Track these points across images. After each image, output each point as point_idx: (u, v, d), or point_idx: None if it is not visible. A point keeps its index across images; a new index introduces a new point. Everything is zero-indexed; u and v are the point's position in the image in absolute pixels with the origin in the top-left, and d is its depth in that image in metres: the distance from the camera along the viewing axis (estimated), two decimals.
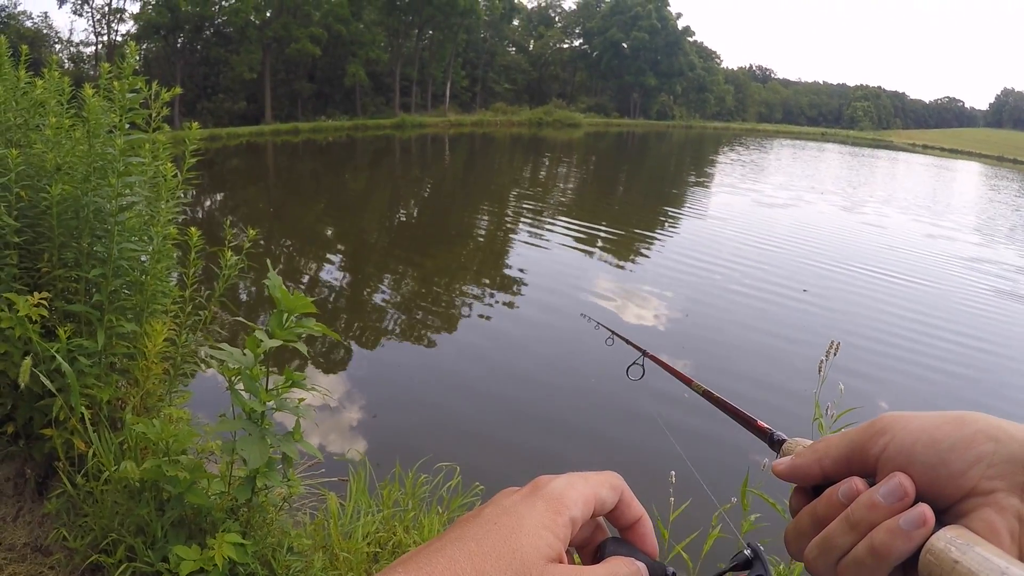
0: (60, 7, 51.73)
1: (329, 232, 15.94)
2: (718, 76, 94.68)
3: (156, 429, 2.68)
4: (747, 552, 0.53)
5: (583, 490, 0.48)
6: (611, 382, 7.27)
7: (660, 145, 57.14)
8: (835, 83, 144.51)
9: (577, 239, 15.33)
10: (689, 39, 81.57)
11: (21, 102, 3.60)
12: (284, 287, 2.29)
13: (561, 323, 9.58)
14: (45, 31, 42.92)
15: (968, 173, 54.74)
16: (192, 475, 2.62)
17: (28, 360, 2.68)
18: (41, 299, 2.81)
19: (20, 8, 41.16)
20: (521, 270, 12.37)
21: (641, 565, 0.48)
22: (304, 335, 2.39)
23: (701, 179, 32.16)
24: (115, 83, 3.02)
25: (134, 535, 2.70)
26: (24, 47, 3.80)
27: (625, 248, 15.00)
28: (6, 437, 3.15)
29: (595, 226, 16.94)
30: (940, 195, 34.43)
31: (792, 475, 0.54)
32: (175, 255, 3.47)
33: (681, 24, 78.80)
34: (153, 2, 40.29)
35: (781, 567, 2.97)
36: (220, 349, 2.39)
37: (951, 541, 0.42)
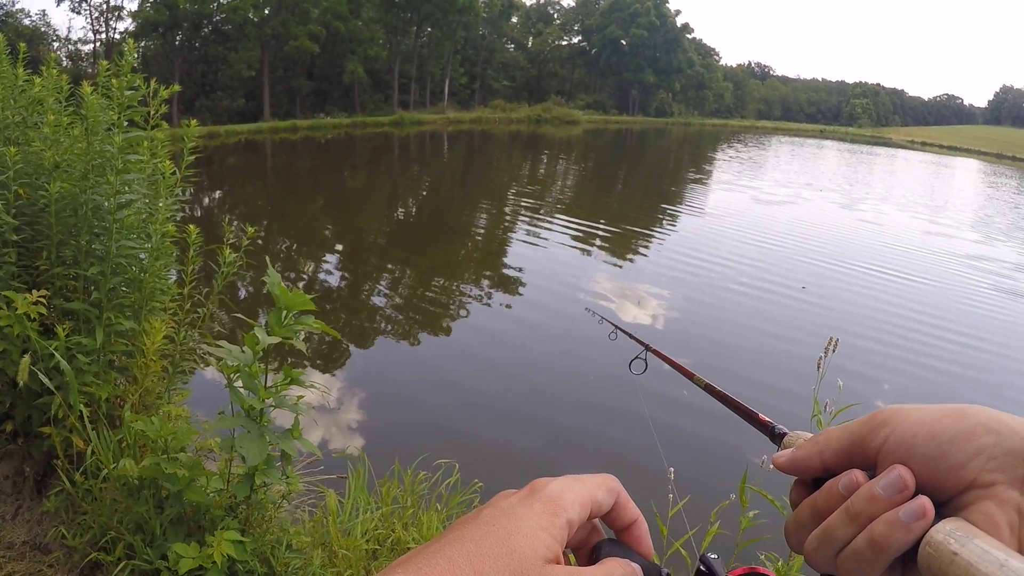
0: (58, 5, 51.72)
1: (328, 230, 15.93)
2: (717, 73, 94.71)
3: (155, 427, 2.68)
4: (700, 567, 0.53)
5: (579, 492, 0.48)
6: (610, 380, 7.28)
7: (659, 142, 57.13)
8: (834, 80, 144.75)
9: (576, 237, 15.33)
10: (688, 36, 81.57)
11: (19, 100, 3.60)
12: (283, 284, 2.29)
13: (560, 321, 9.59)
14: (43, 29, 43.00)
15: (967, 170, 54.76)
16: (191, 472, 2.62)
17: (27, 358, 2.68)
18: (40, 297, 2.81)
19: (18, 6, 41.11)
20: (519, 268, 12.37)
21: (636, 566, 0.49)
22: (303, 332, 2.39)
23: (700, 176, 32.16)
24: (113, 81, 3.01)
25: (133, 533, 2.70)
26: (22, 45, 3.79)
27: (623, 246, 15.00)
28: (5, 435, 3.15)
29: (593, 224, 16.94)
30: (938, 192, 34.45)
31: (792, 467, 0.54)
32: (174, 253, 3.46)
33: (680, 21, 78.90)
34: (151, 0, 40.23)
35: (780, 563, 2.97)
36: (219, 346, 2.39)
37: (950, 533, 0.43)
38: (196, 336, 3.62)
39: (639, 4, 73.86)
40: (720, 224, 18.10)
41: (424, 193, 23.46)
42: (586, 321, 8.91)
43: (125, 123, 3.05)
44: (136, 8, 41.41)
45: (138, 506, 2.68)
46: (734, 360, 8.43)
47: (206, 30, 44.38)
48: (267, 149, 34.01)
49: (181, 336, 3.44)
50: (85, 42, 44.51)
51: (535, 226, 16.35)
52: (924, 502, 0.44)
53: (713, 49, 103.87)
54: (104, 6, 41.72)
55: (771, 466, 0.56)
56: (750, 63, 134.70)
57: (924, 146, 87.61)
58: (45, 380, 2.77)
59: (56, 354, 2.78)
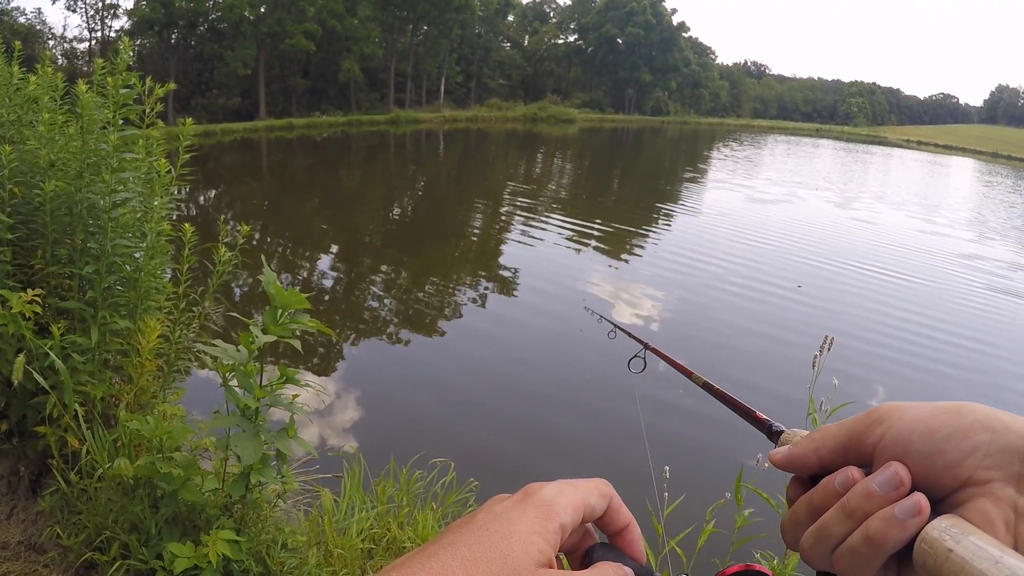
0: (54, 3, 51.61)
1: (324, 228, 15.91)
2: (713, 72, 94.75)
3: (150, 426, 2.68)
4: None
5: (573, 497, 0.49)
6: (605, 379, 7.29)
7: (655, 141, 57.15)
8: (830, 79, 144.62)
9: (571, 236, 15.33)
10: (684, 35, 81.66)
11: (14, 98, 3.59)
12: (278, 283, 2.29)
13: (556, 320, 9.60)
14: (39, 27, 42.85)
15: (962, 169, 54.91)
16: (186, 472, 2.62)
17: (21, 357, 2.67)
18: (34, 296, 2.80)
19: (13, 4, 40.94)
20: (515, 267, 12.38)
21: (628, 570, 0.49)
22: (298, 331, 2.39)
23: (695, 175, 32.20)
24: (109, 79, 3.01)
25: (128, 532, 2.70)
26: (17, 43, 3.78)
27: (619, 245, 15.01)
28: (0, 435, 3.14)
29: (589, 223, 16.94)
30: (934, 191, 34.53)
31: (789, 464, 0.54)
32: (169, 251, 3.46)
33: (676, 20, 78.92)
34: None
35: (775, 561, 2.98)
36: (214, 345, 2.38)
37: (946, 530, 0.43)
38: (192, 335, 3.62)
39: (635, 3, 73.89)
40: (716, 223, 18.13)
41: (420, 192, 23.45)
42: (582, 320, 8.92)
43: (120, 121, 3.04)
44: (132, 6, 41.40)
45: (133, 506, 2.68)
46: (730, 357, 8.45)
47: (202, 28, 44.34)
48: (263, 148, 33.97)
49: (176, 335, 3.44)
50: (80, 40, 44.45)
51: (531, 225, 16.34)
52: (920, 499, 0.44)
53: (709, 48, 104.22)
54: (100, 4, 41.70)
55: (768, 463, 0.56)
56: (746, 62, 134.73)
57: (920, 145, 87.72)
58: (40, 379, 2.76)
59: (51, 353, 2.77)
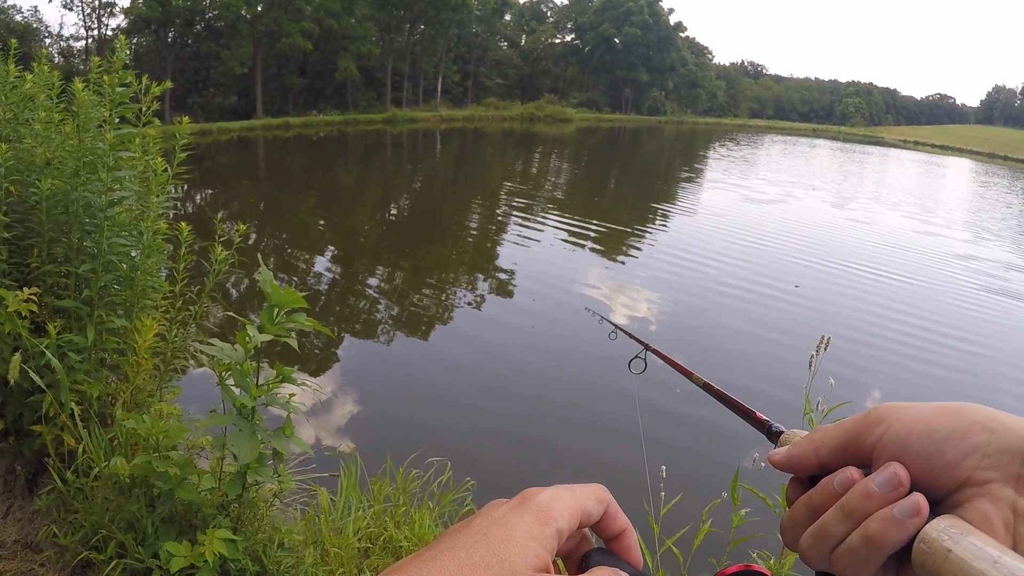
0: (50, 1, 51.36)
1: (320, 228, 15.89)
2: (710, 72, 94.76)
3: (146, 425, 2.67)
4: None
5: (570, 502, 0.49)
6: (603, 379, 7.29)
7: (652, 140, 57.18)
8: (827, 79, 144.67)
9: (568, 236, 15.34)
10: (681, 35, 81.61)
11: (11, 96, 3.57)
12: (275, 282, 2.28)
13: (553, 320, 9.60)
14: (35, 25, 42.72)
15: (959, 170, 55.00)
16: (182, 471, 2.61)
17: (18, 356, 2.67)
18: (31, 295, 2.79)
19: (10, 2, 40.84)
20: (512, 267, 12.37)
21: (624, 575, 0.49)
22: (295, 330, 2.39)
23: (692, 175, 32.21)
24: (105, 77, 3.00)
25: (124, 531, 2.69)
26: (13, 41, 3.77)
27: (616, 245, 15.01)
28: None
29: (586, 223, 16.94)
30: (930, 192, 34.59)
31: (788, 464, 0.54)
32: (165, 250, 3.45)
33: (673, 20, 78.84)
34: None
35: (772, 561, 2.98)
36: (211, 344, 2.38)
37: (944, 531, 0.43)
38: (188, 334, 3.61)
39: (632, 2, 73.89)
40: (712, 223, 18.13)
41: (417, 191, 23.43)
42: (579, 321, 8.93)
43: (117, 120, 3.04)
44: (128, 4, 41.29)
45: (129, 504, 2.67)
46: (727, 358, 8.46)
47: (199, 27, 44.23)
48: (260, 146, 33.94)
49: (173, 334, 3.43)
50: (77, 38, 44.32)
51: (527, 225, 16.34)
52: (918, 499, 0.44)
53: (706, 48, 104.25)
54: (96, 2, 41.57)
55: (766, 463, 0.56)
56: (743, 62, 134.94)
57: (916, 145, 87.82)
58: (36, 378, 2.75)
59: (47, 352, 2.76)
